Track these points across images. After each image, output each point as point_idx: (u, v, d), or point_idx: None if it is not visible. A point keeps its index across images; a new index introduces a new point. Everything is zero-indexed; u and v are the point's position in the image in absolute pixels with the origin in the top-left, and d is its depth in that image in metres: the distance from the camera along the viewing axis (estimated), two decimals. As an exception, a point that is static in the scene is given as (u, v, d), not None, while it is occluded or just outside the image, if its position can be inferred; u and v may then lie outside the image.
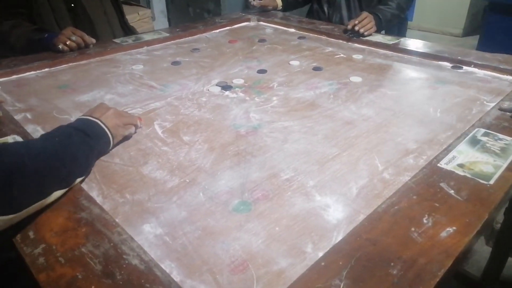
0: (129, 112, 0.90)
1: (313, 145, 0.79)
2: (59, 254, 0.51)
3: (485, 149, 0.72)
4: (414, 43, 1.36)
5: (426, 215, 0.56)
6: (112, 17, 1.57)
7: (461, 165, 0.67)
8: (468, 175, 0.65)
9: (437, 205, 0.58)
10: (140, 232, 0.57)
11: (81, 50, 1.30)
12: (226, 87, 1.07)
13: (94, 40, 1.33)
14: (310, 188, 0.66)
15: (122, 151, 0.78)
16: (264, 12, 1.83)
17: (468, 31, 4.48)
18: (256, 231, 0.57)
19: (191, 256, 0.53)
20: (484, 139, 0.75)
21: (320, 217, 0.60)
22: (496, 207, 0.59)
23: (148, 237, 0.56)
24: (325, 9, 1.81)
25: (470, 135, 0.77)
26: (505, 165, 0.67)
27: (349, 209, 0.61)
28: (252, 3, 1.81)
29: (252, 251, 0.54)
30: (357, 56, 1.29)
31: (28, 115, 0.92)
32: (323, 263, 0.49)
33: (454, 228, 0.54)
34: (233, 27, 1.68)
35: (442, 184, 0.62)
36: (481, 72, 1.13)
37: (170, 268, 0.51)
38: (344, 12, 1.77)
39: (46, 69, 1.19)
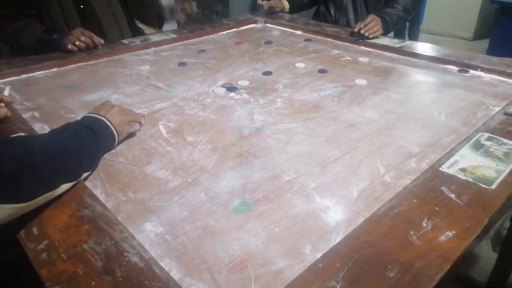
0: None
1: (315, 147, 0.80)
2: (61, 250, 0.52)
3: (488, 154, 0.72)
4: (420, 46, 1.36)
5: (426, 219, 0.56)
6: (120, 18, 1.58)
7: (463, 169, 0.67)
8: (470, 180, 0.64)
9: (437, 209, 0.58)
10: (141, 230, 0.58)
11: (89, 50, 1.32)
12: (231, 88, 1.08)
13: (102, 41, 1.35)
14: (311, 190, 0.67)
15: (126, 151, 0.79)
16: (271, 14, 1.84)
17: (478, 35, 4.44)
18: (256, 231, 0.58)
19: (190, 255, 0.54)
20: (488, 143, 0.75)
21: (320, 219, 0.60)
22: (497, 212, 0.59)
23: (149, 236, 0.57)
24: (332, 11, 1.82)
25: (474, 139, 0.76)
26: (507, 170, 0.67)
27: (349, 212, 0.61)
28: (259, 3, 1.81)
29: (251, 251, 0.54)
30: (363, 59, 1.29)
31: (36, 114, 0.94)
32: (320, 264, 0.49)
33: (454, 232, 0.54)
34: (240, 29, 1.69)
35: (443, 188, 0.62)
36: (487, 76, 1.12)
37: (170, 266, 0.52)
38: (351, 15, 1.77)
39: (55, 69, 1.21)
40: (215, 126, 0.89)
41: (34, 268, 0.50)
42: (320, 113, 0.94)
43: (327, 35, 1.53)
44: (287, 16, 1.83)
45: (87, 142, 0.68)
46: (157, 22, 1.73)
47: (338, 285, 0.46)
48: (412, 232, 0.54)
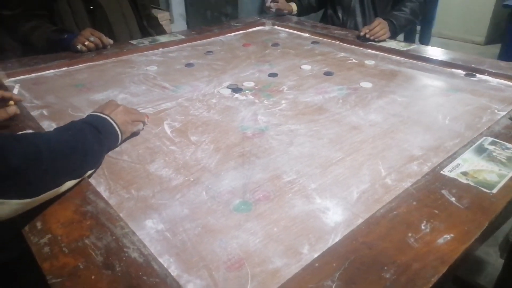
0: (140, 111, 0.93)
1: (317, 149, 0.80)
2: (63, 244, 0.53)
3: (491, 158, 0.71)
4: (428, 50, 1.35)
5: (425, 221, 0.56)
6: (130, 19, 1.60)
7: (464, 173, 0.67)
8: (471, 183, 0.64)
9: (437, 211, 0.58)
10: (142, 227, 0.59)
11: (98, 50, 1.34)
12: (236, 89, 1.09)
13: (111, 41, 1.37)
14: (311, 191, 0.67)
15: (130, 149, 0.80)
16: (279, 16, 1.84)
17: (490, 39, 4.39)
18: (255, 230, 0.59)
19: (189, 252, 0.55)
20: (491, 147, 0.74)
21: (319, 220, 0.60)
22: (497, 217, 0.58)
23: (149, 232, 0.58)
24: (340, 14, 1.82)
25: (477, 143, 0.76)
26: (510, 175, 0.66)
27: (348, 213, 0.62)
28: (267, 5, 1.82)
29: (249, 250, 0.55)
30: (369, 62, 1.29)
31: (45, 112, 0.96)
32: (316, 264, 0.50)
33: (452, 235, 0.54)
34: (247, 31, 1.70)
35: (443, 191, 0.62)
36: (494, 81, 1.12)
37: (169, 262, 0.53)
38: (359, 18, 1.77)
39: (64, 68, 1.24)
40: (219, 127, 0.89)
41: (36, 263, 0.51)
42: (324, 115, 0.94)
43: (334, 37, 1.54)
44: (295, 18, 1.84)
45: (91, 140, 0.69)
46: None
47: (334, 285, 0.46)
48: (410, 234, 0.54)
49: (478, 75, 1.15)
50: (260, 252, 0.54)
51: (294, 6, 1.88)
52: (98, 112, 0.77)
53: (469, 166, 0.69)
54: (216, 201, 0.65)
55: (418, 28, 4.10)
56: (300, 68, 1.25)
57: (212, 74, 1.21)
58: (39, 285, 0.50)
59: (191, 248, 0.55)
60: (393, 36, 1.53)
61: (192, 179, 0.71)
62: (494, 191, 0.62)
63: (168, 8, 3.12)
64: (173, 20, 3.13)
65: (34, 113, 0.93)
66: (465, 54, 1.29)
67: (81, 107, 0.99)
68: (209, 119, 0.93)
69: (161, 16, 2.45)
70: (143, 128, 0.87)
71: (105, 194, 0.66)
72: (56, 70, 1.22)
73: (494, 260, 1.69)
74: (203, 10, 3.08)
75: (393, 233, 0.54)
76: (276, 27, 1.75)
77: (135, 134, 0.85)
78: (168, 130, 0.88)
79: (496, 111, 0.94)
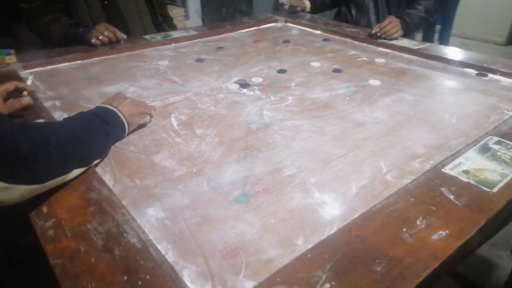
0: (148, 104, 0.95)
1: (320, 144, 0.80)
2: (67, 228, 0.55)
3: (494, 157, 0.71)
4: (439, 49, 1.34)
5: (421, 217, 0.56)
6: (144, 15, 1.63)
7: (466, 172, 0.66)
8: (472, 182, 0.64)
9: (434, 208, 0.58)
10: (143, 214, 0.61)
11: (112, 45, 1.37)
12: (244, 85, 1.10)
13: (125, 36, 1.40)
14: (311, 185, 0.68)
15: (137, 140, 0.82)
16: (292, 13, 1.85)
17: (511, 40, 4.29)
18: (252, 221, 0.60)
19: (187, 240, 0.56)
20: (496, 147, 0.74)
21: (316, 213, 0.61)
22: (496, 216, 0.58)
23: (150, 220, 0.60)
24: (353, 12, 1.81)
25: (482, 142, 0.76)
26: (512, 174, 0.66)
27: (346, 207, 0.62)
28: (280, 2, 1.83)
29: (245, 240, 0.56)
30: (380, 60, 1.29)
31: (57, 103, 0.99)
32: (309, 255, 0.50)
33: (447, 232, 0.54)
34: (260, 27, 1.70)
35: (442, 189, 0.62)
36: (506, 81, 1.10)
37: (166, 249, 0.54)
38: (372, 16, 1.76)
39: (79, 61, 1.27)
40: (224, 121, 0.91)
41: (40, 244, 0.53)
42: (329, 112, 0.95)
43: (346, 35, 1.53)
44: (308, 16, 1.84)
45: (98, 131, 0.71)
46: None
47: (324, 276, 0.47)
48: (405, 230, 0.54)
49: (490, 75, 1.14)
50: (256, 243, 0.56)
51: (307, 3, 1.88)
52: (106, 104, 0.79)
53: (471, 165, 0.68)
54: (216, 192, 0.67)
55: (438, 27, 4.05)
56: (310, 65, 1.26)
57: (221, 70, 1.22)
58: (46, 275, 0.52)
59: (189, 236, 0.57)
60: (406, 35, 1.52)
61: (194, 170, 0.73)
62: (495, 190, 0.62)
63: (183, 4, 3.15)
64: (189, 16, 3.16)
65: (47, 104, 0.96)
66: (478, 54, 1.27)
67: (92, 99, 1.01)
68: (216, 113, 0.94)
69: (176, 12, 2.47)
70: (150, 121, 0.89)
71: (110, 183, 0.68)
72: (71, 63, 1.26)
73: (506, 264, 1.67)
74: (218, 6, 3.10)
75: (387, 228, 0.54)
76: (289, 24, 1.76)
77: (142, 126, 0.87)
78: (174, 123, 0.90)
79: (505, 111, 0.93)
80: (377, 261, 0.49)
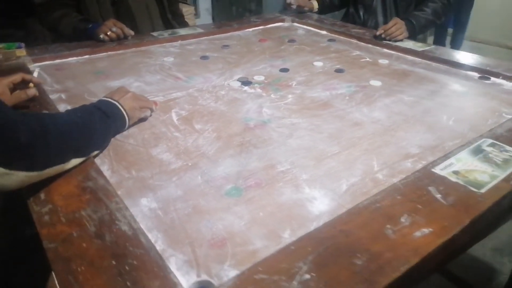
0: (150, 99, 0.97)
1: (315, 142, 0.82)
2: (62, 214, 0.58)
3: (486, 159, 0.71)
4: (444, 51, 1.34)
5: (406, 215, 0.57)
6: (153, 12, 1.66)
7: (456, 172, 0.67)
8: (461, 182, 0.65)
9: (420, 207, 0.59)
10: (137, 204, 0.63)
11: (120, 40, 1.40)
12: (246, 82, 1.12)
13: (132, 32, 1.43)
14: (302, 181, 0.69)
15: (137, 133, 0.85)
16: (300, 13, 1.86)
17: (526, 45, 4.23)
18: (242, 214, 0.61)
19: (177, 230, 0.58)
20: (489, 149, 0.74)
21: (304, 208, 0.62)
22: (482, 215, 0.59)
23: (142, 209, 0.62)
24: (361, 13, 1.81)
25: (475, 144, 0.76)
26: (502, 176, 0.66)
27: (334, 203, 0.63)
28: (288, 1, 1.84)
29: (233, 231, 0.58)
30: (383, 61, 1.29)
31: (63, 96, 1.02)
32: (292, 247, 0.52)
33: (431, 229, 0.55)
34: (266, 26, 1.72)
35: (430, 188, 0.63)
36: (508, 84, 1.10)
37: (156, 237, 0.56)
38: (380, 18, 1.76)
39: (86, 56, 1.30)
40: (223, 117, 0.93)
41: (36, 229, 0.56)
42: (328, 111, 0.96)
43: (351, 36, 1.54)
44: (315, 16, 1.84)
45: (98, 123, 0.73)
46: None
47: (305, 267, 0.49)
48: (388, 226, 0.55)
49: (492, 78, 1.13)
50: (243, 234, 0.57)
51: (315, 4, 1.89)
52: (107, 98, 0.81)
53: (462, 166, 0.69)
54: (209, 185, 0.68)
55: (450, 31, 4.01)
56: (312, 64, 1.27)
57: (225, 67, 1.24)
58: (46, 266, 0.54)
59: (179, 226, 0.59)
60: (412, 36, 1.52)
61: (190, 164, 0.74)
62: (483, 190, 0.62)
63: (194, 2, 3.18)
64: (199, 15, 3.19)
65: (53, 96, 0.99)
66: (482, 57, 1.27)
67: (97, 93, 1.04)
68: (215, 109, 0.96)
69: (186, 10, 2.50)
70: (151, 115, 0.91)
71: (107, 173, 0.70)
72: (79, 57, 1.29)
73: (509, 270, 1.65)
74: (228, 5, 3.12)
75: (372, 224, 0.56)
76: (295, 24, 1.77)
77: (143, 120, 0.89)
78: (174, 118, 0.92)
79: (504, 114, 0.93)
80: (358, 255, 0.50)
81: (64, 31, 1.44)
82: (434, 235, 0.54)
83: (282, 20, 1.78)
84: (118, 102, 0.80)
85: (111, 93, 0.84)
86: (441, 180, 0.65)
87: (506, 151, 0.74)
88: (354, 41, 1.52)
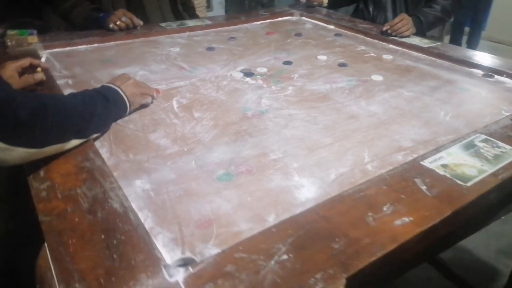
0: (154, 87, 1.00)
1: (310, 133, 0.83)
2: (58, 191, 0.61)
3: (477, 154, 0.71)
4: (449, 48, 1.33)
5: (388, 204, 0.58)
6: (164, 3, 1.68)
7: (444, 166, 0.68)
8: (447, 175, 0.65)
9: (403, 197, 0.60)
10: (131, 184, 0.66)
11: (129, 30, 1.43)
12: (248, 73, 1.14)
13: (141, 22, 1.46)
14: (292, 169, 0.71)
15: (137, 119, 0.87)
16: (309, 8, 1.86)
17: (544, 46, 4.13)
18: (230, 198, 0.63)
19: (166, 210, 0.61)
20: (481, 145, 0.74)
21: (291, 195, 0.64)
22: (465, 208, 0.60)
23: (136, 190, 0.65)
24: (371, 9, 1.80)
25: (468, 139, 0.76)
26: (491, 171, 0.67)
27: (321, 192, 0.65)
28: None
29: (219, 214, 0.60)
30: (387, 56, 1.29)
31: (70, 81, 1.05)
32: (273, 229, 0.54)
33: (411, 218, 0.56)
34: (274, 20, 1.73)
35: (416, 180, 0.64)
36: (511, 82, 1.09)
37: (146, 216, 0.59)
38: (389, 13, 1.75)
39: (96, 44, 1.34)
40: (222, 106, 0.95)
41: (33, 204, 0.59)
42: (326, 103, 0.97)
43: (358, 31, 1.54)
44: (324, 10, 1.84)
45: (99, 107, 0.76)
46: None
47: (284, 248, 0.51)
48: (370, 214, 0.57)
49: (496, 76, 1.13)
50: (229, 216, 0.59)
51: (325, -1, 1.89)
52: (110, 84, 0.84)
53: (452, 160, 0.70)
54: (202, 170, 0.71)
55: (467, 29, 3.94)
56: (316, 58, 1.28)
57: (229, 59, 1.26)
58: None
59: (169, 207, 0.61)
60: (420, 33, 1.51)
61: (185, 149, 0.77)
62: (468, 184, 0.63)
63: (207, -5, 3.21)
64: (212, 8, 3.21)
65: (60, 82, 1.03)
66: (488, 55, 1.26)
67: (103, 80, 1.06)
68: (216, 99, 0.98)
69: (198, 2, 2.52)
70: (152, 102, 0.94)
71: (105, 155, 0.73)
72: (88, 45, 1.32)
73: None
74: (241, -1, 3.14)
75: (353, 211, 0.57)
76: (304, 18, 1.77)
77: (144, 106, 0.92)
78: (175, 106, 0.94)
79: (503, 111, 0.93)
80: (336, 239, 0.52)
81: (76, 20, 1.48)
82: (414, 224, 0.55)
83: (291, 14, 1.79)
84: (120, 88, 0.83)
85: (113, 79, 0.87)
86: (428, 173, 0.66)
87: (498, 147, 0.74)
88: (361, 36, 1.52)
